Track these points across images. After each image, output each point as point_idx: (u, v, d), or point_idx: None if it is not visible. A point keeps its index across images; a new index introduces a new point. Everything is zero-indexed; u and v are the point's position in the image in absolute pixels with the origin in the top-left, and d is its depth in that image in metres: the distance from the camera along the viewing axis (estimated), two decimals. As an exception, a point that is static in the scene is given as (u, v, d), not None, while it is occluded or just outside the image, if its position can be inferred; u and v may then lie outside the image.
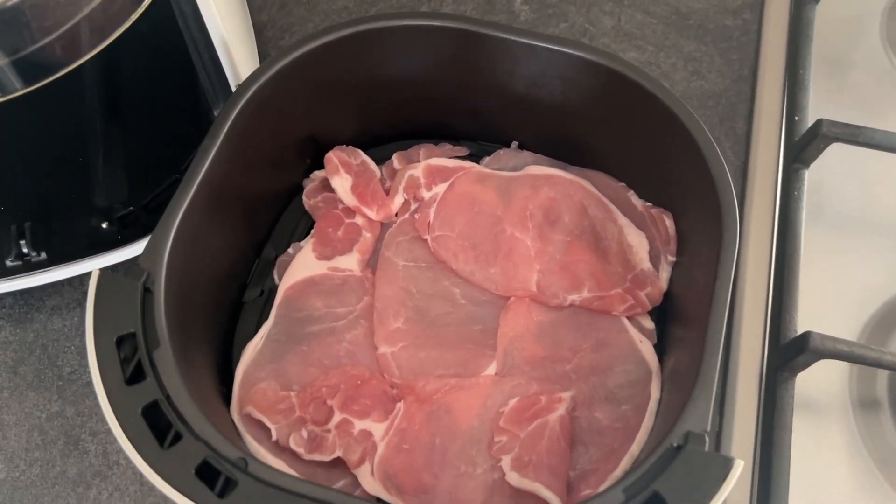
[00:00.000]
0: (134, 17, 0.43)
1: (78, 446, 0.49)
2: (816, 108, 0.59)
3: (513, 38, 0.46)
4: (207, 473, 0.33)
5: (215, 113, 0.48)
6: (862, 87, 0.64)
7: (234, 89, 0.47)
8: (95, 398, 0.50)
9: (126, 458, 0.48)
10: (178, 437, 0.34)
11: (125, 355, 0.36)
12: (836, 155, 0.57)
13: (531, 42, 0.46)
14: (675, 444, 0.35)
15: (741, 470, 0.33)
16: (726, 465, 0.33)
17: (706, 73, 0.63)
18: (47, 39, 0.39)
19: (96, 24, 0.41)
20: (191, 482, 0.33)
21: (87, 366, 0.51)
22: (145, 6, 0.43)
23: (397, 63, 0.50)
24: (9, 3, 0.37)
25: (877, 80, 0.64)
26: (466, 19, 0.47)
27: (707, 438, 0.34)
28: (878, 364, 0.46)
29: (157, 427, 0.34)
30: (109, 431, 0.49)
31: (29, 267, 0.49)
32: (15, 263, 0.49)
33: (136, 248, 0.50)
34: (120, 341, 0.36)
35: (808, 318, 0.51)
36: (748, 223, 0.56)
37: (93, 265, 0.50)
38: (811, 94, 0.60)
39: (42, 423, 0.49)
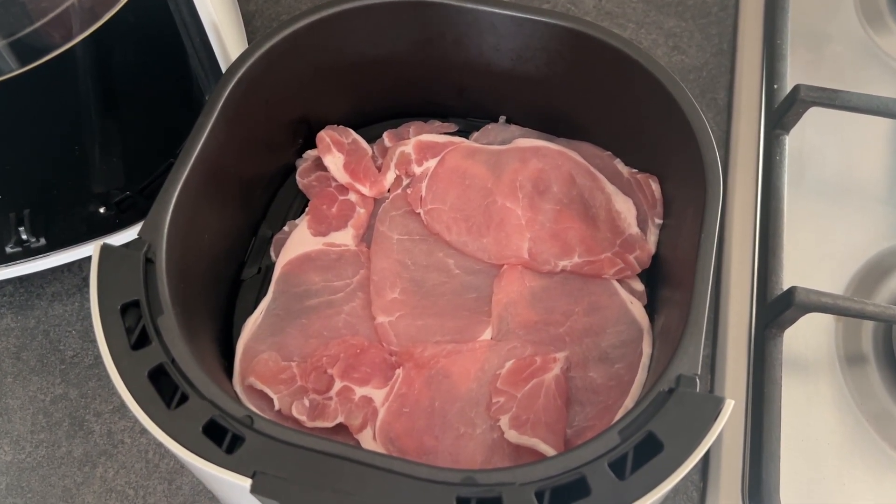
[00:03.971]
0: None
1: (83, 427, 0.49)
2: (794, 79, 0.60)
3: (496, 10, 0.48)
4: (214, 432, 0.34)
5: (207, 98, 0.49)
6: (838, 57, 0.65)
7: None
8: (99, 380, 0.51)
9: (131, 436, 0.49)
10: (184, 399, 0.35)
11: (129, 325, 0.37)
12: (814, 121, 0.58)
13: (514, 14, 0.48)
14: (667, 389, 0.36)
15: (732, 410, 0.34)
16: (717, 404, 0.34)
17: (686, 47, 0.65)
18: (42, 21, 0.40)
19: (88, 6, 0.42)
20: (199, 440, 0.34)
21: (89, 349, 0.52)
22: (135, -10, 0.44)
23: (385, 41, 0.51)
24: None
25: (852, 51, 0.66)
26: (451, -6, 0.48)
27: (698, 381, 0.36)
28: (861, 315, 0.47)
29: (164, 390, 0.35)
30: (113, 412, 0.50)
31: (29, 253, 0.50)
32: (15, 250, 0.50)
33: (132, 232, 0.51)
34: (124, 310, 0.37)
35: (793, 278, 0.52)
36: (733, 189, 0.58)
37: (91, 249, 0.50)
38: (789, 65, 0.61)
39: (46, 405, 0.50)
